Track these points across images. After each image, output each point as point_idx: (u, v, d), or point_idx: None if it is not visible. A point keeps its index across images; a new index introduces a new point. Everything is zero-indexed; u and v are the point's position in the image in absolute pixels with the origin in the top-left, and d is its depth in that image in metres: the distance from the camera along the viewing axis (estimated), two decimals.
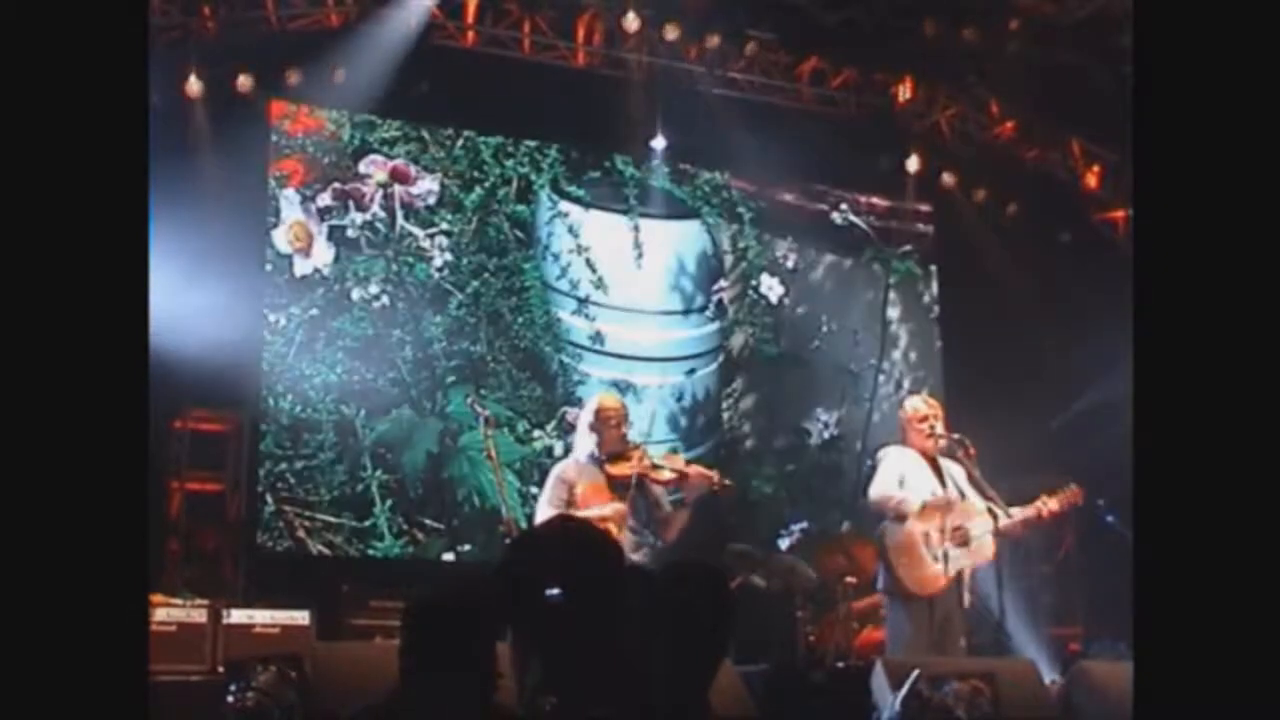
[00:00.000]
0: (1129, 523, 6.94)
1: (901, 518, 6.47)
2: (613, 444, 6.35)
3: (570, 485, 6.28)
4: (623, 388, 9.49)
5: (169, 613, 6.81)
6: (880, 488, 6.58)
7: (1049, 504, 6.52)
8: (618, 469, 6.30)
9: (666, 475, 6.38)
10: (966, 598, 6.55)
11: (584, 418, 6.49)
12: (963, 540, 6.42)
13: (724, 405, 10.28)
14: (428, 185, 9.49)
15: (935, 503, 6.47)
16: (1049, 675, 7.31)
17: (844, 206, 10.85)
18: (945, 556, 6.40)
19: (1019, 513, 6.47)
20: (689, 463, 6.75)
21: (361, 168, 9.31)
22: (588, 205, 9.95)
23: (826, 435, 10.53)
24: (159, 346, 2.85)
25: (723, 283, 10.38)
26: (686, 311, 10.22)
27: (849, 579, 7.91)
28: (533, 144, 9.79)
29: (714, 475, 6.48)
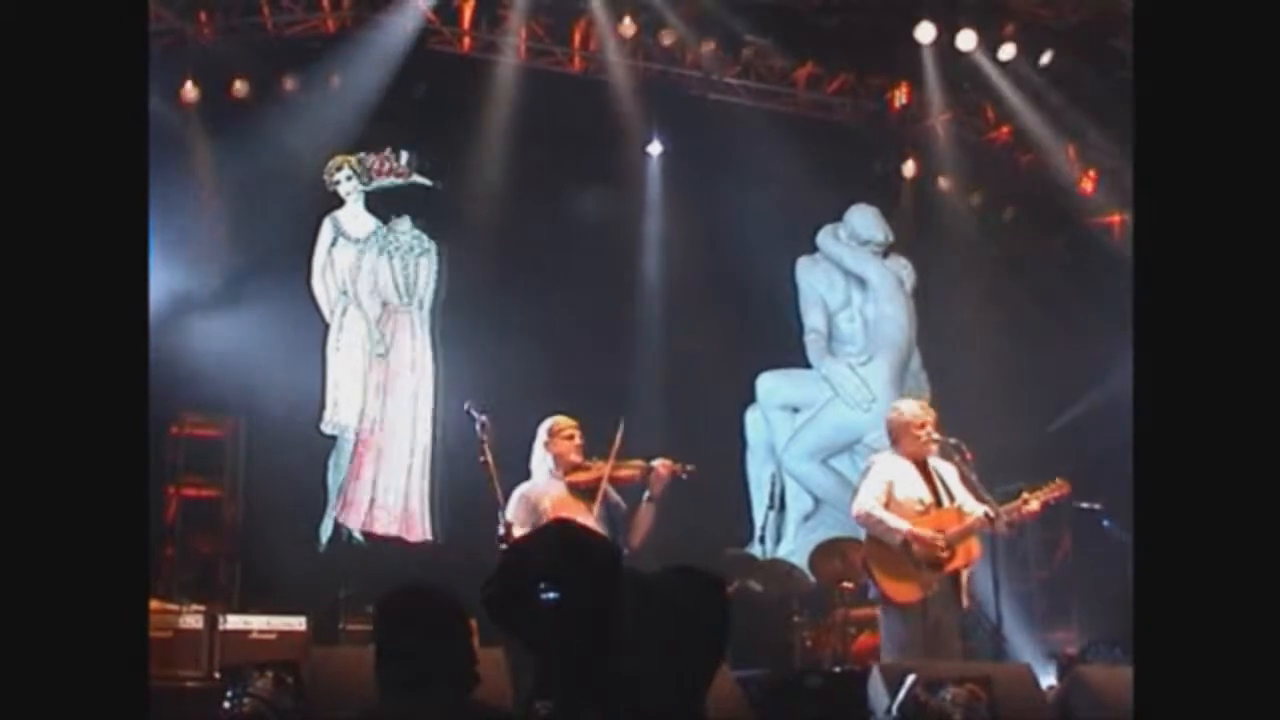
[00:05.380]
0: (1126, 527, 6.91)
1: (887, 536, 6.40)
2: (568, 457, 6.27)
3: (533, 502, 6.16)
4: None
5: (165, 619, 6.79)
6: (864, 503, 6.48)
7: (1031, 500, 6.44)
8: (578, 478, 6.24)
9: (629, 472, 6.26)
10: (965, 601, 6.50)
11: (539, 438, 6.39)
12: (947, 546, 6.34)
13: None
14: None
15: (920, 521, 6.37)
16: (1046, 680, 7.29)
17: None
18: (930, 564, 6.34)
19: (1005, 510, 6.38)
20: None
21: None
22: None
23: None
24: (155, 352, 2.85)
25: None
26: None
27: (845, 584, 7.89)
28: None
29: (676, 465, 6.29)
